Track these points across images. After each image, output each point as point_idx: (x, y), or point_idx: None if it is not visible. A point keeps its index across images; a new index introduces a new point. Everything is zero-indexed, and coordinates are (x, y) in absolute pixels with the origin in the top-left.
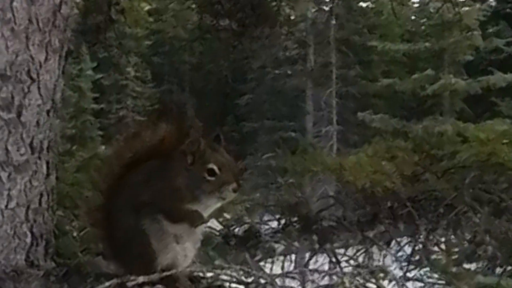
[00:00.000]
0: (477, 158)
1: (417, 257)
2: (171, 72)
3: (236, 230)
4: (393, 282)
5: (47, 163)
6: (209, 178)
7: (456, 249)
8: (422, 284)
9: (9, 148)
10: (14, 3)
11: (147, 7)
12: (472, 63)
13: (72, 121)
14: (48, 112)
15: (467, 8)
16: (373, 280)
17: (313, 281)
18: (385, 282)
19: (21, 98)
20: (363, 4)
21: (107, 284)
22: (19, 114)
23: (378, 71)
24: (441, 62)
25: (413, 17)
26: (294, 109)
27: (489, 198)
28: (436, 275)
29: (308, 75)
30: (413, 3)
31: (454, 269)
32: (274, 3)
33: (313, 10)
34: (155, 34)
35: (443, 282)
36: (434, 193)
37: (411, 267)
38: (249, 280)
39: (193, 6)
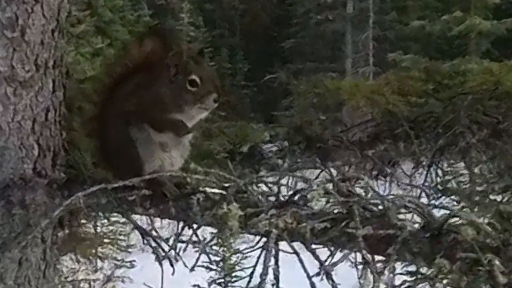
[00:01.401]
0: (484, 87)
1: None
2: (221, 18)
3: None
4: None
5: (53, 80)
6: (191, 88)
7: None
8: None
9: (14, 65)
10: None
11: None
12: (501, 7)
13: None
14: (53, 31)
15: None
16: (344, 185)
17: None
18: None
19: (25, 18)
20: None
21: (94, 188)
22: (23, 33)
23: (413, 16)
24: (468, 5)
25: None
26: (334, 52)
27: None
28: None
29: (347, 20)
30: None
31: (477, 198)
32: None
33: None
34: None
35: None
36: (434, 115)
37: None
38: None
39: None
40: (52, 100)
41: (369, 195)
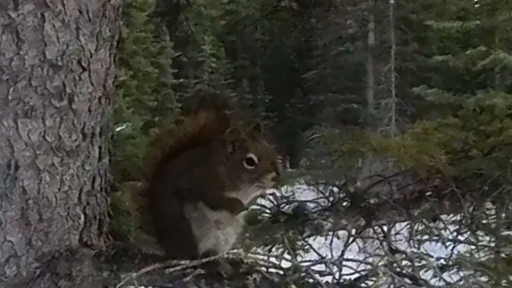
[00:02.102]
0: None
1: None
2: (243, 49)
3: (285, 208)
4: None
5: (100, 148)
6: (248, 167)
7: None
8: (461, 276)
9: (61, 134)
10: None
11: None
12: None
13: (153, 95)
14: (99, 99)
15: None
16: (410, 269)
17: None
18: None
19: (72, 87)
20: None
21: (148, 268)
22: (70, 102)
23: (433, 47)
24: (492, 39)
25: None
26: (356, 83)
27: None
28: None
29: (368, 51)
30: None
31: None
32: None
33: None
34: (229, 15)
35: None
36: (479, 171)
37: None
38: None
39: None
40: (98, 168)
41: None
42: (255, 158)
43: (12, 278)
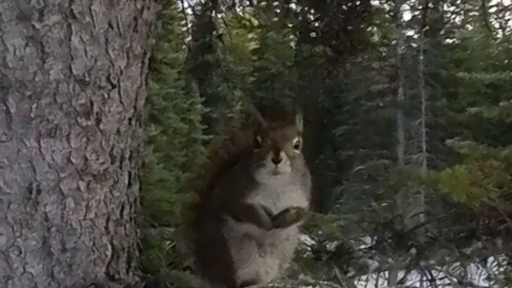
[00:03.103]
0: None
1: None
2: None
3: (328, 245)
4: None
5: (129, 173)
6: (255, 150)
7: None
8: None
9: (88, 156)
10: (93, 6)
11: (252, 47)
12: None
13: (183, 150)
14: (130, 120)
15: None
16: None
17: None
18: None
19: (100, 105)
20: (449, 41)
21: None
22: (98, 122)
23: (464, 102)
24: None
25: (496, 51)
26: (386, 138)
27: None
28: None
29: (398, 106)
30: (495, 39)
31: None
32: (365, 27)
33: (403, 47)
34: (258, 71)
35: None
36: None
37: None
38: None
39: (291, 36)
40: (127, 195)
41: None
42: (259, 139)
43: None
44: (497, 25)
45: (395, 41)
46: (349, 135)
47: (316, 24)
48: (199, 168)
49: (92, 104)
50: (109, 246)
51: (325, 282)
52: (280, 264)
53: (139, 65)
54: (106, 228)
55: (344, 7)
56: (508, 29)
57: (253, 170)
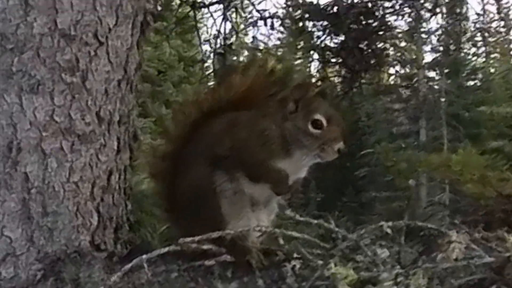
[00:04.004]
0: None
1: None
2: None
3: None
4: None
5: (118, 138)
6: (313, 130)
7: None
8: None
9: (72, 115)
10: None
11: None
12: None
13: None
14: (119, 82)
15: None
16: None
17: None
18: None
19: (86, 62)
20: (472, 82)
21: (162, 250)
22: (84, 79)
23: (486, 143)
24: None
25: None
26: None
27: None
28: None
29: (421, 148)
30: None
31: None
32: (381, 44)
33: (424, 89)
34: None
35: None
36: None
37: None
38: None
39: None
40: (116, 162)
41: None
42: (324, 121)
43: (9, 280)
44: None
45: (416, 83)
46: (371, 177)
47: (330, 43)
48: (177, 114)
49: (77, 60)
50: (95, 214)
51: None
52: (269, 218)
53: (130, 26)
54: (92, 193)
55: (358, 25)
56: None
57: (307, 148)
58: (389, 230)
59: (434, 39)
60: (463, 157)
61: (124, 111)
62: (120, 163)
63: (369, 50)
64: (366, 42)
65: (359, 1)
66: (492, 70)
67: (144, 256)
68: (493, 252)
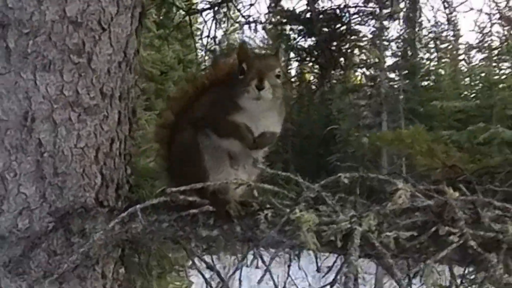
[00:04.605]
0: None
1: None
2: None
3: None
4: None
5: (119, 112)
6: (240, 77)
7: None
8: None
9: (79, 90)
10: None
11: None
12: None
13: None
14: (119, 63)
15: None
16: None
17: None
18: None
19: (91, 45)
20: (425, 82)
21: (154, 201)
22: (89, 60)
23: (437, 133)
24: (490, 116)
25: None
26: (372, 164)
27: None
28: None
29: None
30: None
31: None
32: (347, 46)
33: (385, 88)
34: None
35: None
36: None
37: None
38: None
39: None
40: (117, 132)
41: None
42: (245, 67)
43: (24, 230)
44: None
45: (379, 83)
46: (341, 162)
47: (305, 45)
48: (180, 92)
49: (84, 44)
50: (99, 175)
51: (284, 173)
52: (248, 178)
53: (129, 15)
54: (96, 158)
55: (328, 29)
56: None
57: (237, 95)
58: (346, 180)
59: (394, 45)
60: (413, 131)
61: (124, 88)
62: (120, 133)
63: (338, 51)
64: (335, 43)
65: (329, 8)
66: (443, 72)
67: (138, 206)
68: (434, 199)
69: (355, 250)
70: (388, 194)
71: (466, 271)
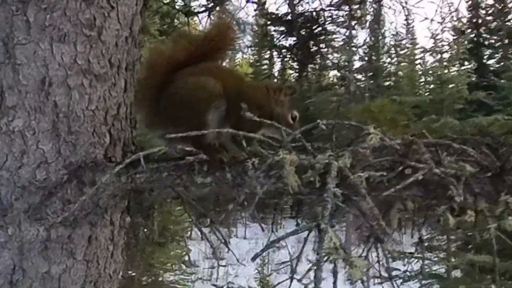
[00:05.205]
0: None
1: None
2: None
3: None
4: None
5: (125, 80)
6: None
7: None
8: None
9: (90, 59)
10: None
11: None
12: (464, 109)
13: None
14: (126, 38)
15: (456, 71)
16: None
17: None
18: None
19: (101, 21)
20: (387, 83)
21: (157, 148)
22: (99, 33)
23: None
24: (441, 109)
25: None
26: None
27: None
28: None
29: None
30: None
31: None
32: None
33: (353, 87)
34: None
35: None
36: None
37: None
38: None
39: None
40: (123, 98)
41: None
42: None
43: (42, 181)
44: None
45: (348, 83)
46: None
47: (286, 43)
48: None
49: (95, 19)
50: (107, 135)
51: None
52: None
53: None
54: (105, 119)
55: (305, 29)
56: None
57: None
58: (324, 127)
59: (361, 51)
60: (380, 103)
61: (130, 60)
62: (126, 99)
63: (316, 49)
64: (312, 42)
65: (307, 11)
66: (401, 74)
67: (141, 153)
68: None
69: (332, 180)
70: (361, 138)
71: (424, 233)
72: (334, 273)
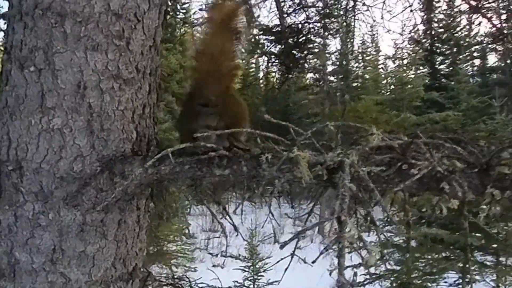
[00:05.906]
0: None
1: None
2: None
3: None
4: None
5: (149, 84)
6: None
7: None
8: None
9: (120, 66)
10: None
11: None
12: (420, 106)
13: None
14: (150, 47)
15: (413, 74)
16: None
17: None
18: None
19: (129, 32)
20: (355, 84)
21: (183, 145)
22: (127, 44)
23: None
24: (401, 106)
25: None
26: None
27: None
28: None
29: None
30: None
31: None
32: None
33: (327, 87)
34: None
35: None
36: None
37: None
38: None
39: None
40: (148, 99)
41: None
42: None
43: (78, 173)
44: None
45: (323, 83)
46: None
47: (274, 50)
48: None
49: (123, 31)
50: (134, 132)
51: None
52: None
53: (157, 11)
54: (132, 118)
55: (292, 39)
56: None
57: None
58: (332, 128)
59: (333, 57)
60: (365, 104)
61: (153, 67)
62: (150, 100)
63: (301, 55)
64: (297, 49)
65: (293, 23)
66: (367, 76)
67: (169, 149)
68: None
69: (347, 175)
70: (364, 137)
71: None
72: (339, 258)
